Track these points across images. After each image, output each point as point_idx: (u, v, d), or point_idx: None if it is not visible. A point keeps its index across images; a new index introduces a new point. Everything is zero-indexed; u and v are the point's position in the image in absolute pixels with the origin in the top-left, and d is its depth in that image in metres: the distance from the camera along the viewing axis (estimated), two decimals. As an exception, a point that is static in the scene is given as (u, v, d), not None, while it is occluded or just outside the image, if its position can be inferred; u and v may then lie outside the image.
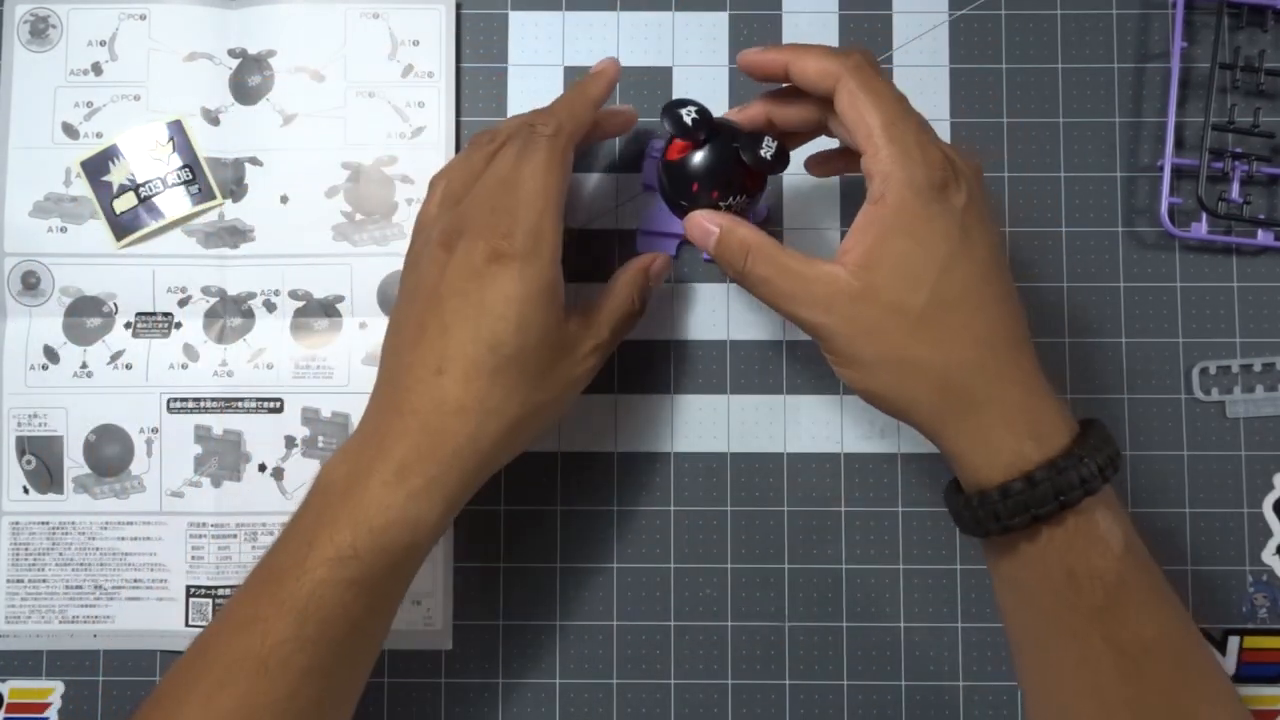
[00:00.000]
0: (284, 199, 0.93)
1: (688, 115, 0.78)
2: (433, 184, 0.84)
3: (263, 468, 0.92)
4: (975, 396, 0.69)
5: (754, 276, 0.75)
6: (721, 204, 0.80)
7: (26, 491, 0.91)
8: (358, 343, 0.92)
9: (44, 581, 0.91)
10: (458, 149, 0.94)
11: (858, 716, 0.89)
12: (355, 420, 0.91)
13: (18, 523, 0.91)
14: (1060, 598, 0.69)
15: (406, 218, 0.93)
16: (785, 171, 0.81)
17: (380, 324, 0.91)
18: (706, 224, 0.78)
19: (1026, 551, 0.70)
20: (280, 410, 0.92)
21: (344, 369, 0.92)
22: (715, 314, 0.92)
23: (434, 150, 0.93)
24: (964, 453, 0.71)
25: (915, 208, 0.69)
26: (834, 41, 0.93)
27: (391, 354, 0.78)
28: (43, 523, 0.91)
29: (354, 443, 0.76)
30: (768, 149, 0.78)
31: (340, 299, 0.92)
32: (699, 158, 0.80)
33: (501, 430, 0.75)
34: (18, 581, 0.91)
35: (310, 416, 0.92)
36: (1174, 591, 0.72)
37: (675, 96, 0.94)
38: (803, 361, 0.91)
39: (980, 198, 0.72)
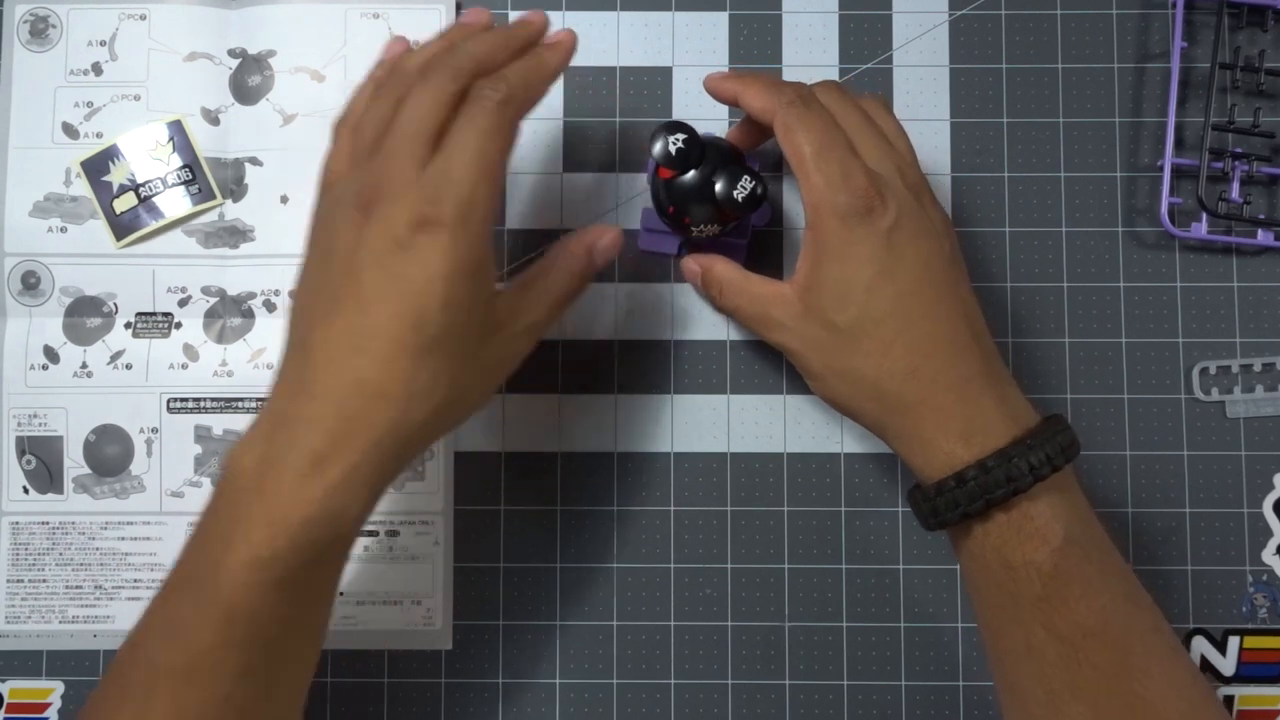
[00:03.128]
0: (284, 199, 0.92)
1: (673, 145, 0.81)
2: (337, 131, 0.78)
3: (262, 468, 0.91)
4: (908, 402, 0.74)
5: (729, 307, 0.83)
6: (693, 229, 0.84)
7: (26, 491, 0.91)
8: (358, 343, 0.92)
9: (44, 581, 0.91)
10: (458, 149, 0.93)
11: (858, 716, 0.89)
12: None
13: (18, 523, 0.91)
14: (1002, 588, 0.73)
15: (406, 218, 0.92)
16: (757, 211, 0.83)
17: (380, 324, 0.91)
18: (692, 265, 0.85)
19: (968, 546, 0.75)
20: (280, 410, 0.92)
21: (344, 369, 0.91)
22: (715, 314, 0.92)
23: (434, 150, 0.93)
24: (904, 452, 0.76)
25: (841, 233, 0.74)
26: (834, 42, 0.94)
27: (302, 325, 0.71)
28: (43, 523, 0.91)
29: (263, 423, 0.69)
30: (741, 190, 0.80)
31: (340, 299, 0.92)
32: (680, 184, 0.83)
33: (426, 414, 0.69)
34: (18, 581, 0.91)
35: (310, 416, 0.92)
36: (1124, 577, 0.74)
37: (675, 97, 0.94)
38: (803, 361, 0.91)
39: (913, 215, 0.75)
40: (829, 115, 0.77)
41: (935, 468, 0.73)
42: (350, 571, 0.89)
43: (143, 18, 0.94)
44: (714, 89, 0.83)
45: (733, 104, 0.82)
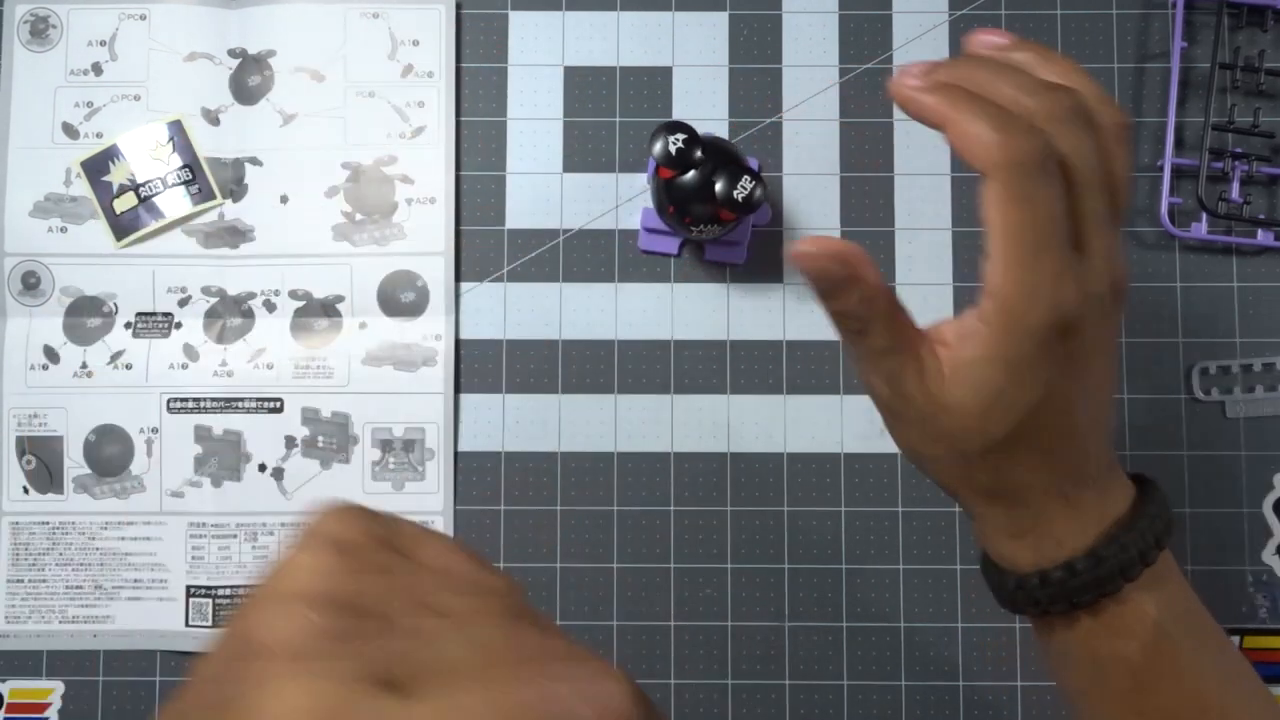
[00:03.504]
0: (284, 199, 0.93)
1: (673, 145, 0.81)
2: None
3: (263, 468, 0.92)
4: (1008, 497, 0.64)
5: (871, 379, 0.64)
6: (693, 229, 0.84)
7: (26, 491, 0.91)
8: (358, 343, 0.92)
9: (44, 581, 0.91)
10: (458, 149, 0.94)
11: (858, 716, 0.89)
12: (355, 421, 0.92)
13: (18, 523, 0.91)
14: (1089, 678, 0.67)
15: (407, 218, 0.93)
16: (756, 212, 0.83)
17: (380, 323, 0.91)
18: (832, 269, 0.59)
19: (1051, 634, 0.68)
20: (280, 410, 0.92)
21: (344, 369, 0.92)
22: (715, 314, 0.92)
23: (434, 150, 0.93)
24: (989, 540, 0.66)
25: (1019, 349, 0.58)
26: (834, 42, 0.94)
27: None
28: (43, 523, 0.91)
29: None
30: (741, 190, 0.81)
31: (340, 299, 0.92)
32: (680, 184, 0.83)
33: None
34: (18, 581, 0.91)
35: (310, 416, 0.92)
36: (1221, 654, 0.67)
37: (675, 97, 0.94)
38: (802, 361, 0.91)
39: (1103, 328, 0.60)
40: (1060, 193, 0.57)
41: (1019, 564, 0.64)
42: (350, 571, 0.89)
43: (143, 18, 0.94)
44: (912, 105, 0.58)
45: (937, 129, 0.59)
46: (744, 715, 0.90)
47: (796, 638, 0.90)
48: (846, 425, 0.91)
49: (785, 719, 0.89)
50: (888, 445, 0.91)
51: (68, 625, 0.91)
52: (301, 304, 0.92)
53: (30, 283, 0.92)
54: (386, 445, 0.92)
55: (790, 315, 0.92)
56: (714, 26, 0.94)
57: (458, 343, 0.92)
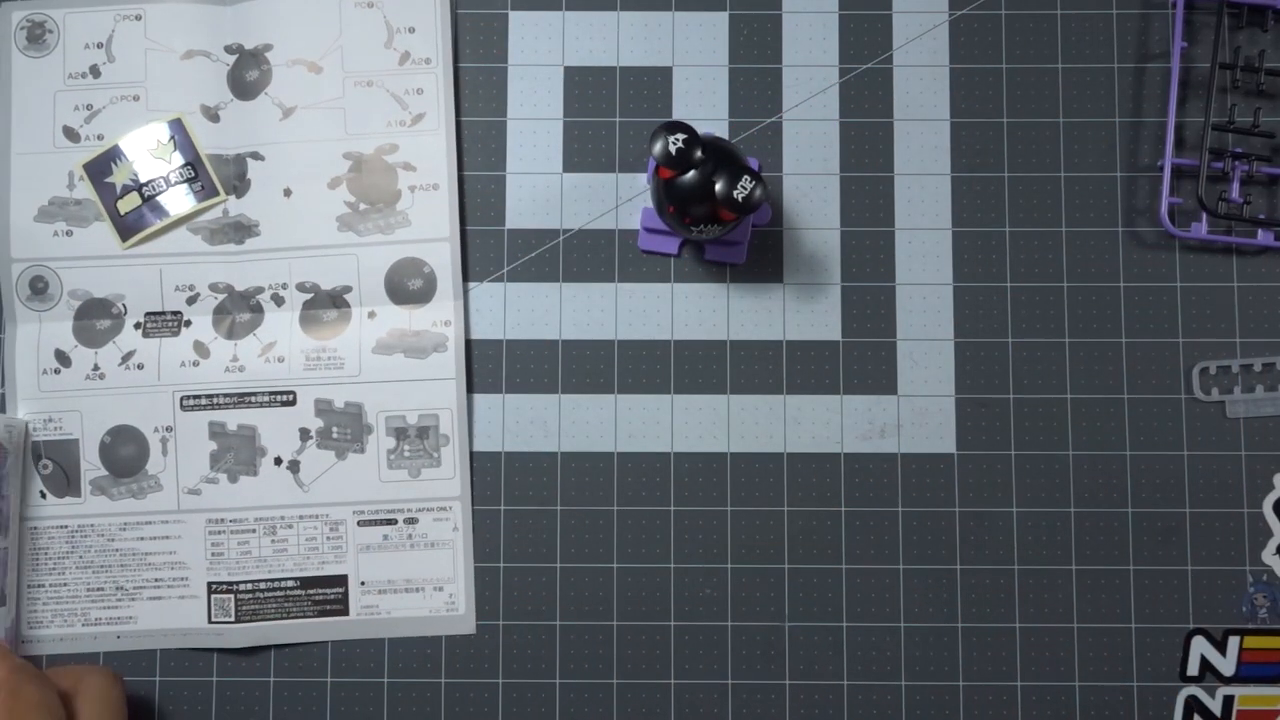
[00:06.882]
0: (287, 192, 0.93)
1: (673, 145, 0.81)
2: None
3: (278, 461, 0.93)
4: None
5: None
6: (693, 229, 0.84)
7: (44, 496, 0.93)
8: (367, 332, 0.93)
9: (65, 585, 0.93)
10: (459, 138, 0.94)
11: (858, 716, 0.90)
12: (368, 410, 0.92)
13: (36, 527, 0.93)
14: None
15: (410, 205, 0.93)
16: (756, 212, 0.83)
17: (389, 312, 0.92)
18: None
19: None
20: (293, 403, 0.93)
21: (355, 359, 0.92)
22: (715, 314, 0.92)
23: (434, 136, 0.93)
24: None
25: None
26: (834, 42, 0.93)
27: None
28: (61, 526, 0.93)
29: None
30: (741, 190, 0.80)
31: (348, 289, 0.93)
32: (680, 184, 0.82)
33: None
34: (39, 586, 0.93)
35: (323, 408, 0.93)
36: None
37: (675, 97, 0.94)
38: (802, 361, 0.92)
39: None
40: None
41: None
42: (370, 560, 0.91)
43: (138, 18, 0.94)
44: None
45: None
46: (744, 715, 0.91)
47: (796, 638, 0.91)
48: (846, 425, 0.92)
49: (785, 719, 0.91)
50: (888, 445, 0.92)
51: (90, 628, 0.93)
52: (309, 296, 0.93)
53: (38, 287, 0.93)
54: (401, 433, 0.92)
55: (790, 315, 0.92)
56: (714, 26, 0.93)
57: (467, 327, 0.93)
